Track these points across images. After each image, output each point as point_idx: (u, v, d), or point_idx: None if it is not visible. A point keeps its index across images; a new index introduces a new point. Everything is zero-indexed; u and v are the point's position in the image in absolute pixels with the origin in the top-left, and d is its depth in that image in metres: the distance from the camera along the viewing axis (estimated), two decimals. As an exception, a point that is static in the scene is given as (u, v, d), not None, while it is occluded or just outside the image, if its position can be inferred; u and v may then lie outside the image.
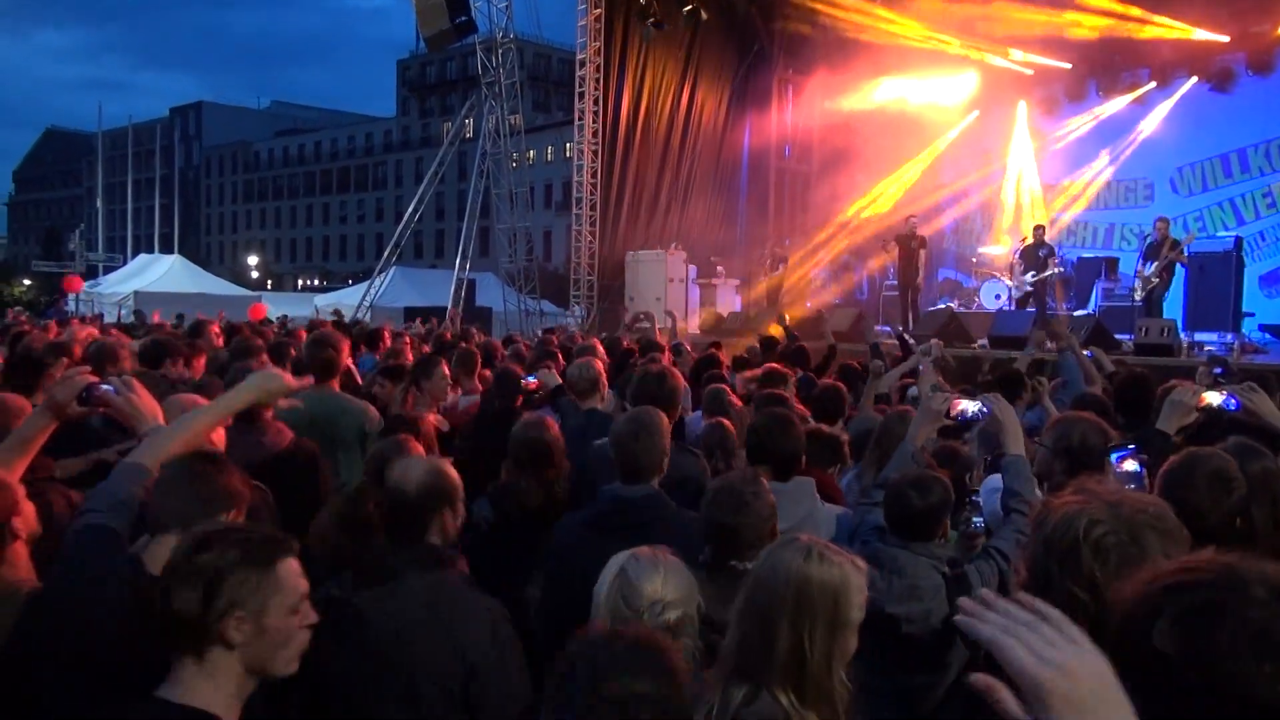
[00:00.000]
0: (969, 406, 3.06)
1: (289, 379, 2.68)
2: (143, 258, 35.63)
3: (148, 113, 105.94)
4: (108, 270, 33.88)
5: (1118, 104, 16.88)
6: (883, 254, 16.27)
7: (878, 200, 18.76)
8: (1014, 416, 3.03)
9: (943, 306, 15.69)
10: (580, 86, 18.54)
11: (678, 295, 17.29)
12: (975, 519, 3.12)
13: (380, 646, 2.30)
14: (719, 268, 17.92)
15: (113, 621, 1.96)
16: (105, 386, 2.48)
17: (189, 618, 1.69)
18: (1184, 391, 3.22)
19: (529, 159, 38.09)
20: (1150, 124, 16.64)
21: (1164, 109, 16.46)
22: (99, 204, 47.55)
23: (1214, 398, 3.14)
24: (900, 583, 2.73)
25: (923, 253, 15.06)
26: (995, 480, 3.17)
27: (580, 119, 18.60)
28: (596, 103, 18.34)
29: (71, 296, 26.64)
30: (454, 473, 2.71)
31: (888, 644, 2.64)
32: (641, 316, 12.46)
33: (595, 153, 18.53)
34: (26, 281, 54.86)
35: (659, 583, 2.14)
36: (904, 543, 2.82)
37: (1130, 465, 2.83)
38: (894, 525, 2.87)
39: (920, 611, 2.70)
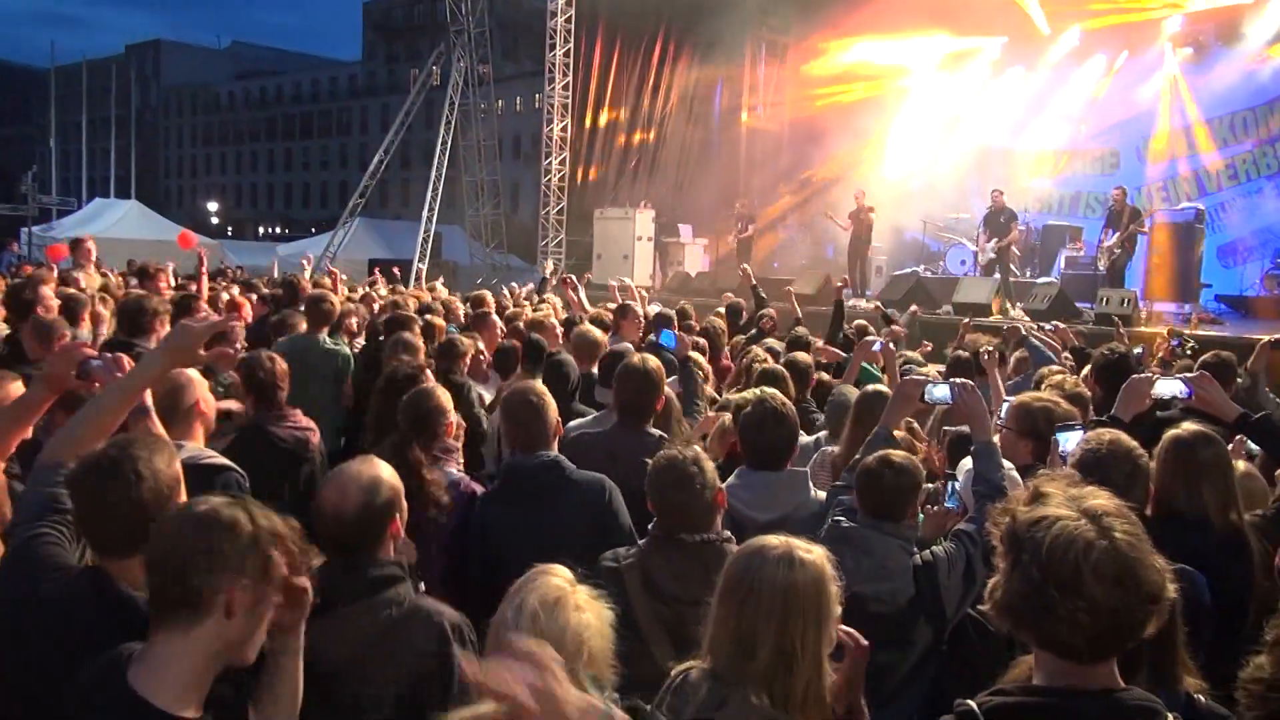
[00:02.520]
0: (938, 391, 3.13)
1: (194, 327, 2.41)
2: (98, 202, 34.73)
3: (103, 49, 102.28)
4: (61, 214, 32.94)
5: (1088, 71, 16.96)
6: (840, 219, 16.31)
7: (846, 161, 18.74)
8: (981, 403, 3.10)
9: (909, 271, 15.82)
10: (551, 39, 18.26)
11: (645, 254, 17.25)
12: (950, 499, 3.19)
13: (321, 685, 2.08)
14: (687, 227, 17.90)
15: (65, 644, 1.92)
16: (95, 362, 2.43)
17: None
18: (1140, 380, 3.32)
19: (498, 109, 37.50)
20: (1119, 93, 16.76)
21: (1133, 78, 16.57)
22: (52, 144, 46.15)
23: (1169, 387, 3.24)
24: (869, 562, 2.80)
25: (871, 219, 15.27)
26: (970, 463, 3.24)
27: (551, 72, 18.35)
28: (568, 55, 18.09)
29: (23, 232, 25.90)
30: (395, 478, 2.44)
31: (854, 622, 2.72)
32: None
33: (565, 106, 18.32)
34: (-24, 223, 53.35)
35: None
36: (874, 523, 2.90)
37: (1073, 445, 2.96)
38: (864, 505, 2.93)
39: (887, 590, 2.78)
